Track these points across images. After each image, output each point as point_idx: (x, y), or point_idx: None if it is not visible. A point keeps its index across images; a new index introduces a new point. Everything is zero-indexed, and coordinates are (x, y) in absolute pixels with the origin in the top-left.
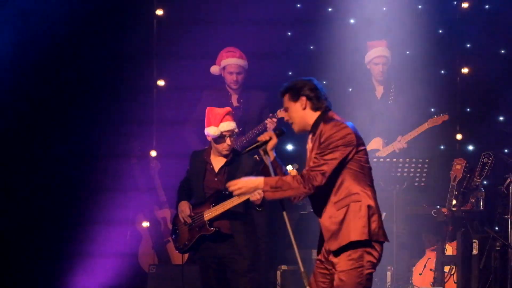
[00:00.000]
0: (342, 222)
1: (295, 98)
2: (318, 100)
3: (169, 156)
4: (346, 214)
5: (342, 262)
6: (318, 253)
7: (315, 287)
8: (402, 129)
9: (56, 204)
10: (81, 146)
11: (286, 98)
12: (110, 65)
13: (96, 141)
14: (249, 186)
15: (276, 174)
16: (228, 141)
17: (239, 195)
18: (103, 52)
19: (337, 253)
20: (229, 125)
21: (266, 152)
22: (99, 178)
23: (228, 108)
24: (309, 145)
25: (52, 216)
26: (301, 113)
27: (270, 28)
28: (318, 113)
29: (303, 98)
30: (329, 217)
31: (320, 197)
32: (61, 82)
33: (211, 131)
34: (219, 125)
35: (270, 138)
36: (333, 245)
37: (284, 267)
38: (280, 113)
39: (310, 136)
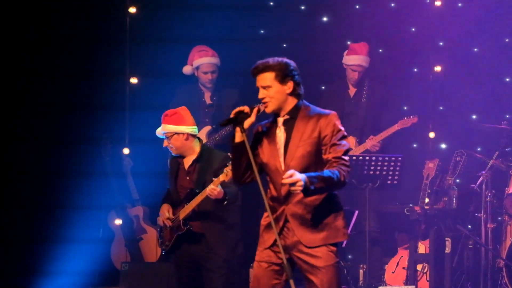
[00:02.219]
0: (329, 218)
1: (283, 80)
2: (300, 87)
3: (142, 154)
4: (331, 210)
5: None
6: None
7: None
8: (375, 128)
9: (28, 209)
10: (51, 145)
11: (270, 76)
12: (83, 63)
13: (68, 139)
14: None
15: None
16: (165, 142)
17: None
18: (75, 49)
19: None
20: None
21: (243, 130)
22: (71, 176)
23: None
24: (280, 129)
25: (24, 210)
26: (284, 97)
27: (243, 26)
28: (296, 100)
29: (291, 83)
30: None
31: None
32: (34, 80)
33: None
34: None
35: (248, 114)
36: (314, 240)
37: None
38: (262, 107)
39: (282, 120)
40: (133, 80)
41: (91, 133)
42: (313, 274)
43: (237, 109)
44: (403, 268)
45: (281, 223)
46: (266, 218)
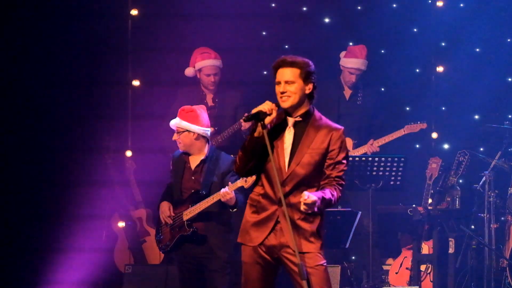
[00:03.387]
0: (317, 226)
1: (306, 79)
2: (315, 92)
3: (145, 156)
4: (318, 219)
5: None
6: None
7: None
8: (370, 130)
9: (31, 207)
10: (55, 146)
11: (295, 72)
12: (85, 64)
13: (71, 142)
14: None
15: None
16: (175, 136)
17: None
18: (78, 51)
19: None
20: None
21: (264, 126)
22: (74, 179)
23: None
24: (290, 130)
25: (27, 218)
26: (303, 96)
27: (245, 27)
28: (309, 104)
29: (311, 85)
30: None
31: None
32: (35, 80)
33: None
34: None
35: (270, 113)
36: (300, 246)
37: None
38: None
39: (293, 121)
40: (135, 83)
41: (93, 135)
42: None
43: (259, 108)
44: (407, 268)
45: (272, 223)
46: (253, 214)
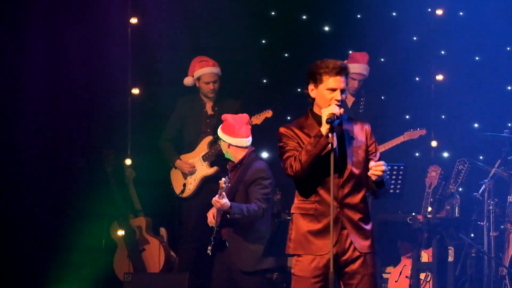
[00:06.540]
0: (371, 226)
1: None
2: None
3: (144, 164)
4: (371, 219)
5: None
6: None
7: None
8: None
9: (31, 219)
10: (53, 156)
11: (345, 81)
12: (84, 73)
13: (70, 150)
14: None
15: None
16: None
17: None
18: (77, 60)
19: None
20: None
21: (333, 130)
22: (73, 187)
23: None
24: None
25: (27, 231)
26: None
27: (245, 36)
28: None
29: None
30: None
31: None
32: (34, 91)
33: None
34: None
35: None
36: (365, 247)
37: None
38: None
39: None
40: (135, 91)
41: (93, 143)
42: (356, 279)
43: (333, 112)
44: (406, 277)
45: (338, 228)
46: (312, 223)
